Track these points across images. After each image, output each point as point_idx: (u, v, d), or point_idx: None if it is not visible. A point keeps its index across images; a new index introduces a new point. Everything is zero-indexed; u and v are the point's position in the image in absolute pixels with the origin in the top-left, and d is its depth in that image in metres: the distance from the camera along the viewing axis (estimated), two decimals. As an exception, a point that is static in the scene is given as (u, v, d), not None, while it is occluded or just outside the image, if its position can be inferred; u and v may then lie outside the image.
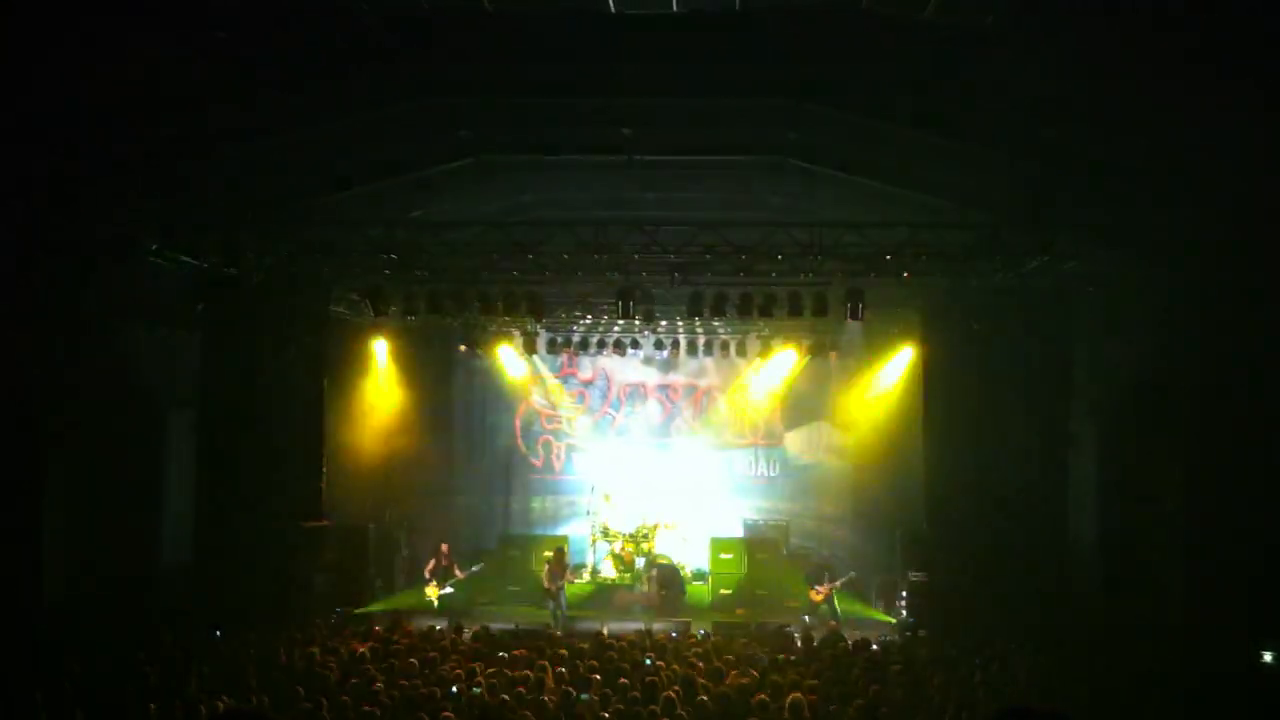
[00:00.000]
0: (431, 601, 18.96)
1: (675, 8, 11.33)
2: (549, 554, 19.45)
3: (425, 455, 22.23)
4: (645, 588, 20.82)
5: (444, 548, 19.61)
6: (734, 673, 12.47)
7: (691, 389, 24.28)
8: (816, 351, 22.01)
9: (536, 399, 24.39)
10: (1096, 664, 13.36)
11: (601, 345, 21.78)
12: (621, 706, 10.50)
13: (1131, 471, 16.77)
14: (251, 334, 17.23)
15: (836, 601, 18.62)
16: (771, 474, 23.97)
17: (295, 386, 17.46)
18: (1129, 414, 16.78)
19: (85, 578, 15.39)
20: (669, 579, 20.44)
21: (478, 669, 12.26)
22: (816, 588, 18.60)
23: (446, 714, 9.98)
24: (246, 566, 16.59)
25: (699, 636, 15.15)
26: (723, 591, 20.36)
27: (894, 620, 18.78)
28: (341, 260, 16.45)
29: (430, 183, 16.44)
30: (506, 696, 10.87)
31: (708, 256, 15.98)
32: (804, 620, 18.06)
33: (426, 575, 19.39)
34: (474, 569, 19.75)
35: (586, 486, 23.13)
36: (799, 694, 10.91)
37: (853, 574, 19.05)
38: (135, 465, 16.88)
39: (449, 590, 19.07)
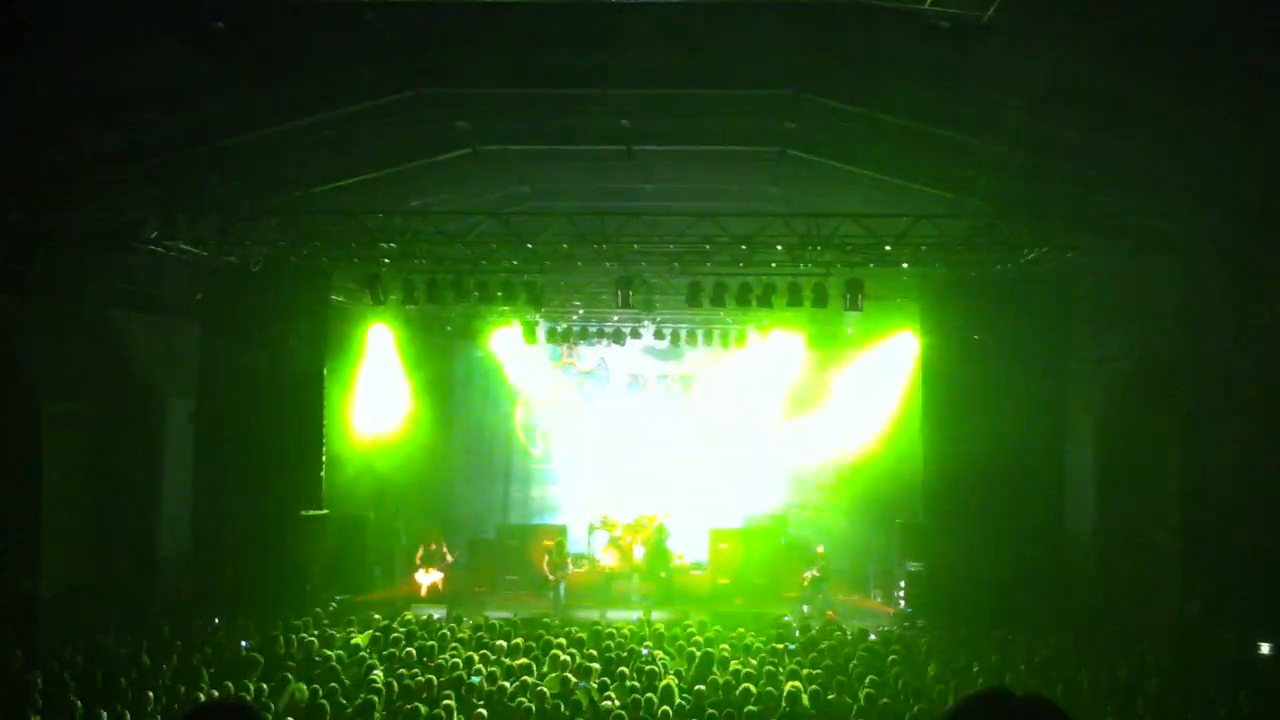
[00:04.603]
0: (420, 587, 19.05)
1: (675, -2, 11.31)
2: (548, 543, 19.49)
3: (425, 444, 22.21)
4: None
5: (435, 537, 19.71)
6: (732, 662, 12.52)
7: (690, 378, 24.26)
8: (815, 342, 22.00)
9: (535, 389, 24.37)
10: (1093, 652, 13.41)
11: (601, 335, 21.78)
12: (618, 695, 10.55)
13: (1128, 461, 16.82)
14: (250, 323, 17.21)
15: (828, 590, 18.72)
16: (770, 464, 23.96)
17: (294, 375, 17.43)
18: (1126, 404, 16.82)
19: (84, 566, 15.44)
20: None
21: (476, 657, 12.32)
22: (806, 573, 18.85)
23: (447, 701, 10.02)
24: (245, 555, 16.62)
25: (697, 626, 15.18)
26: (720, 581, 20.42)
27: (892, 610, 18.85)
28: (340, 249, 16.47)
29: (429, 172, 16.41)
30: (506, 684, 10.92)
31: (707, 246, 15.99)
32: (802, 610, 18.14)
33: (417, 562, 19.47)
34: (458, 559, 19.90)
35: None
36: (797, 683, 10.97)
37: (815, 572, 18.92)
38: (134, 454, 16.93)
39: (438, 576, 19.15)
